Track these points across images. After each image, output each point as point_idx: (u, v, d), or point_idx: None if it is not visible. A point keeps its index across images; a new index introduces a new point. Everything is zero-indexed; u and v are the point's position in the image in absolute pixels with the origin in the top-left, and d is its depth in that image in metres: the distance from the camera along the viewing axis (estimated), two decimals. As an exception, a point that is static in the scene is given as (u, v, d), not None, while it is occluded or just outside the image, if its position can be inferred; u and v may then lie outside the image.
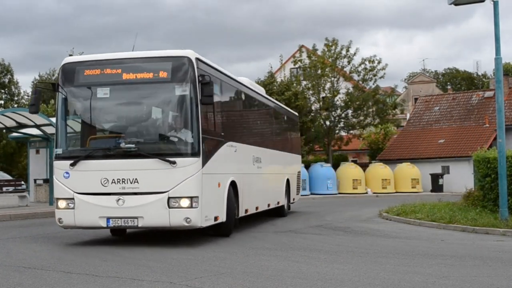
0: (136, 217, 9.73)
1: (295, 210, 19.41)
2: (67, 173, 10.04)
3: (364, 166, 34.31)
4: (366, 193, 31.89)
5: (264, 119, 16.02)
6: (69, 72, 10.38)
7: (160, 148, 9.92)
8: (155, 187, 9.65)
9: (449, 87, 68.67)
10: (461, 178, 30.27)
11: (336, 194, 31.07)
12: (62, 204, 10.10)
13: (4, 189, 22.38)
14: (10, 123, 20.75)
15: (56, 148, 10.36)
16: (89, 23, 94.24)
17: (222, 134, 11.23)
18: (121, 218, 9.79)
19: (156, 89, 10.12)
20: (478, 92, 41.07)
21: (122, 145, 9.89)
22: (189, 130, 9.77)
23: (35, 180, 24.43)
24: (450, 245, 10.47)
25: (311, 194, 30.52)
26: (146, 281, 6.92)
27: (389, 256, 8.97)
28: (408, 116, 45.10)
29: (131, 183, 9.71)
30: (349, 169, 32.60)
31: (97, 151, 10.07)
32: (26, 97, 54.13)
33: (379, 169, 32.87)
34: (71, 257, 8.97)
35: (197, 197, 9.61)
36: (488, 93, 38.46)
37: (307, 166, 31.67)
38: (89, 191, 9.94)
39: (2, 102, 50.35)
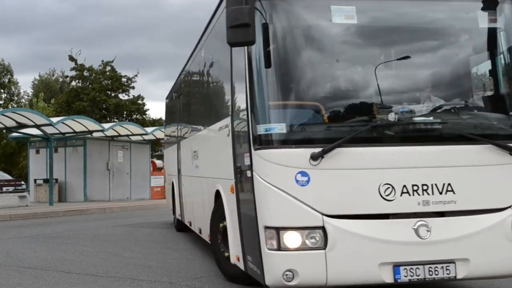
0: (453, 261, 4.98)
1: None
2: (304, 174, 4.86)
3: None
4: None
5: None
6: None
7: (485, 126, 5.36)
8: (484, 200, 5.13)
9: (449, 87, 68.68)
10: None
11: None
12: (293, 239, 4.85)
13: (4, 189, 22.40)
14: (10, 123, 20.80)
15: (259, 124, 5.01)
16: (90, 23, 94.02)
17: None
18: (423, 264, 4.93)
19: (457, 17, 5.61)
20: (478, 92, 41.16)
21: (421, 118, 5.10)
22: None
23: (35, 180, 24.51)
24: (450, 245, 10.45)
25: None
26: (146, 281, 6.92)
27: (389, 256, 8.94)
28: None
29: (440, 193, 4.99)
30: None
31: (368, 130, 4.99)
32: (26, 97, 54.32)
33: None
34: (71, 257, 8.97)
35: None
36: (488, 93, 38.54)
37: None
38: (356, 212, 4.93)
39: (2, 102, 50.46)
